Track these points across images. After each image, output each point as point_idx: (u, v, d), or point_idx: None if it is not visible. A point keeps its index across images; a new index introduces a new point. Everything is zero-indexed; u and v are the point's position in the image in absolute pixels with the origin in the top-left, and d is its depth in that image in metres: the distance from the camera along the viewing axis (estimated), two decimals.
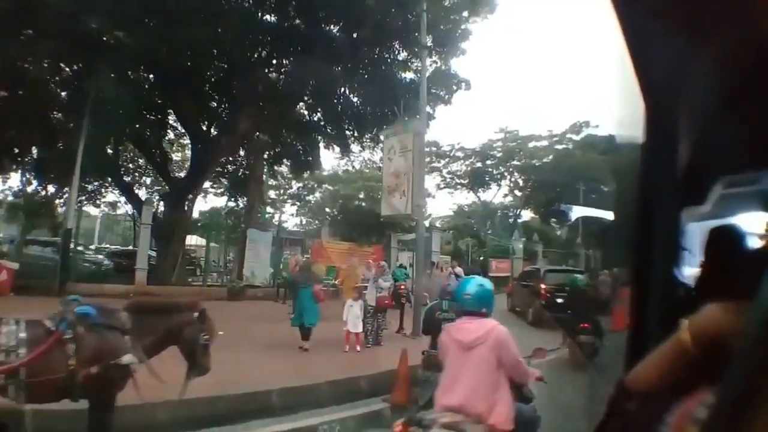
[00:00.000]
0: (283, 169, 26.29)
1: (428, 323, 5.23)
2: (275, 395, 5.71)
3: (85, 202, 26.44)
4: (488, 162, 30.64)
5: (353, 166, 24.47)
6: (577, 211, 26.47)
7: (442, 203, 63.24)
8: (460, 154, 30.86)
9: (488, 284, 2.96)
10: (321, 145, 22.28)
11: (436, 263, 14.27)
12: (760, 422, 0.33)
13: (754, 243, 1.19)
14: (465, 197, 34.30)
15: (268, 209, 37.54)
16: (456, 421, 2.43)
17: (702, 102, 0.81)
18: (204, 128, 17.06)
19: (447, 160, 31.97)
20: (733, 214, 1.35)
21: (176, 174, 19.80)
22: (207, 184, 24.63)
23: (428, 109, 20.88)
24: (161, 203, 17.97)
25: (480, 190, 32.18)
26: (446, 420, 2.45)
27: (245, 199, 31.52)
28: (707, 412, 0.44)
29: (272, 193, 38.50)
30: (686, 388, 0.55)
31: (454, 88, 19.59)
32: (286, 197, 39.78)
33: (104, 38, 11.20)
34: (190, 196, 17.10)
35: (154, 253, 16.36)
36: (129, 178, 21.10)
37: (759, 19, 0.50)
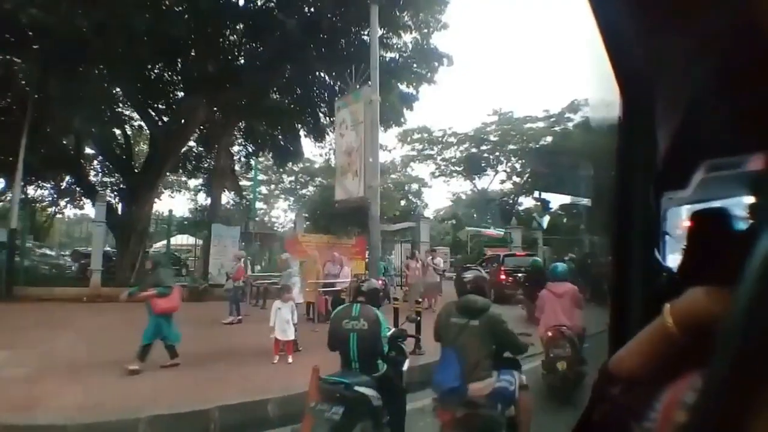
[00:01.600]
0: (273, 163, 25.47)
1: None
2: (143, 425, 4.39)
3: (63, 203, 25.95)
4: (483, 147, 29.06)
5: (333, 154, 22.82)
6: (559, 199, 24.91)
7: (440, 192, 60.64)
8: (452, 139, 29.34)
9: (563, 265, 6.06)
10: (302, 133, 21.16)
11: (414, 255, 12.86)
12: (749, 407, 0.33)
13: (737, 226, 1.09)
14: (461, 185, 32.72)
15: (260, 205, 36.64)
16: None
17: (681, 88, 0.81)
18: (156, 118, 15.71)
19: (440, 146, 30.47)
20: (716, 198, 1.45)
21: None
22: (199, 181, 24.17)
23: (411, 89, 19.76)
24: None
25: (476, 176, 30.59)
26: None
27: (233, 194, 30.62)
28: (696, 397, 0.43)
29: (263, 189, 37.54)
30: (673, 373, 0.53)
31: (436, 64, 18.13)
32: (278, 192, 38.76)
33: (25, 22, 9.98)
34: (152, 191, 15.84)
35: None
36: (96, 178, 19.94)
37: (737, 4, 0.51)
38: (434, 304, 12.22)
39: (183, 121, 15.75)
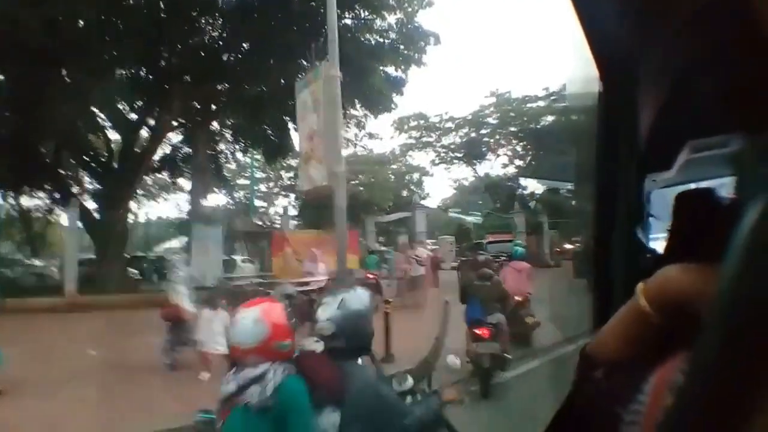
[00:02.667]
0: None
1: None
2: None
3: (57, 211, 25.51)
4: (482, 131, 27.92)
5: None
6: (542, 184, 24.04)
7: (442, 181, 58.30)
8: (450, 124, 28.24)
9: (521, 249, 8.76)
10: (291, 126, 20.34)
11: (401, 246, 12.00)
12: (742, 386, 0.33)
13: (722, 206, 0.93)
14: (462, 172, 31.63)
15: (260, 203, 35.91)
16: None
17: (663, 68, 0.78)
18: (126, 114, 14.95)
19: (439, 132, 29.39)
20: (701, 178, 1.35)
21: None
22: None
23: (399, 72, 18.79)
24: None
25: (476, 162, 29.47)
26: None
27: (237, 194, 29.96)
28: (685, 378, 0.42)
29: (263, 186, 36.82)
30: (654, 354, 0.53)
31: (423, 44, 17.11)
32: (277, 189, 38.02)
33: None
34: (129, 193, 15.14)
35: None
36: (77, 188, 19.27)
37: None
38: (422, 300, 11.35)
39: (156, 118, 15.08)
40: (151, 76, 14.31)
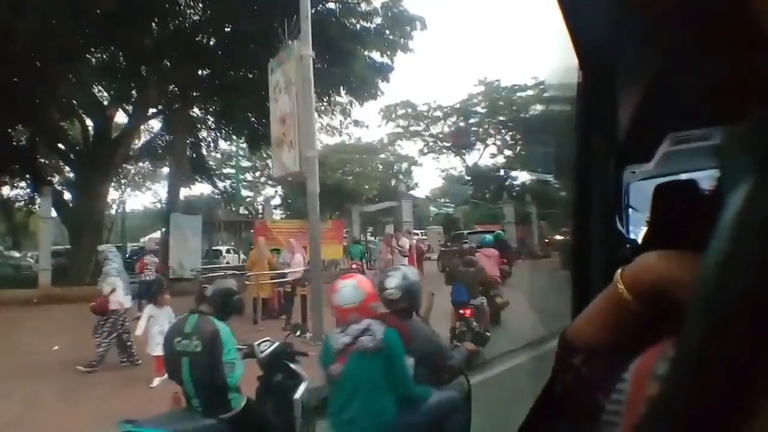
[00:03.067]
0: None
1: None
2: None
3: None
4: (471, 120, 27.58)
5: None
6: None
7: (432, 170, 56.87)
8: (438, 113, 27.85)
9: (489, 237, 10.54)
10: None
11: (385, 235, 11.71)
12: (725, 380, 0.32)
13: (701, 198, 1.08)
14: (450, 161, 31.33)
15: (246, 192, 35.29)
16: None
17: (642, 61, 0.81)
18: (102, 100, 14.41)
19: (427, 121, 29.02)
20: (681, 171, 1.53)
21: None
22: None
23: (385, 59, 18.35)
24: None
25: (464, 151, 29.17)
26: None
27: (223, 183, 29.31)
28: (667, 367, 0.42)
29: (248, 176, 36.18)
30: (633, 341, 0.52)
31: (408, 29, 16.69)
32: (264, 178, 37.38)
33: None
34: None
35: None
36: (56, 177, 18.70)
37: None
38: None
39: (134, 104, 14.58)
40: (125, 60, 13.73)
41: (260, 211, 22.66)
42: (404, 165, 34.00)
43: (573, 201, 1.02)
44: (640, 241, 1.30)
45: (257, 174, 36.24)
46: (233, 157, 30.15)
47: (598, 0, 0.72)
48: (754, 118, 0.48)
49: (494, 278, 8.16)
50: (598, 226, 0.98)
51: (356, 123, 20.10)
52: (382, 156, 33.22)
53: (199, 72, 15.49)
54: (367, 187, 18.43)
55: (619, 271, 0.57)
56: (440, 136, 29.43)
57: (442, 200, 34.90)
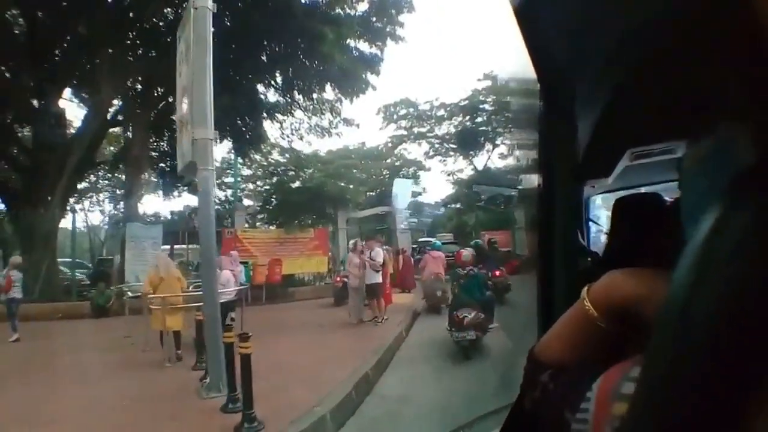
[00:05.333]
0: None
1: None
2: None
3: None
4: (478, 119, 25.53)
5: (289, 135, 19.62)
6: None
7: (439, 174, 52.46)
8: (442, 112, 25.89)
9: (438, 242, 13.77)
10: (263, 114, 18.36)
11: (355, 246, 9.84)
12: (690, 402, 0.33)
13: (660, 212, 1.11)
14: (458, 164, 29.21)
15: (248, 202, 33.79)
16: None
17: (602, 77, 0.83)
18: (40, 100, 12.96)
19: (432, 121, 27.08)
20: (641, 184, 1.54)
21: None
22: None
23: (374, 49, 16.61)
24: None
25: (471, 153, 27.07)
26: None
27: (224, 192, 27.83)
28: (633, 386, 0.42)
29: (250, 185, 34.72)
30: (600, 358, 0.53)
31: (394, 12, 14.94)
32: (267, 187, 35.81)
33: None
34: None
35: None
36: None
37: None
38: (381, 312, 9.20)
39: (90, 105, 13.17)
40: (60, 51, 12.27)
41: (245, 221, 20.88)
42: (411, 170, 32.14)
43: (536, 214, 1.05)
44: (601, 253, 1.34)
45: (257, 183, 34.78)
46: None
47: (557, 17, 0.71)
48: (717, 139, 0.51)
49: (436, 274, 10.63)
50: (560, 238, 1.01)
51: (347, 122, 18.35)
52: (388, 161, 31.45)
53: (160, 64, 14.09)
54: (351, 187, 16.53)
55: (585, 288, 0.57)
56: (446, 137, 27.42)
57: (453, 206, 32.88)
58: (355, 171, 33.01)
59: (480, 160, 27.82)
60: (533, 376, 0.61)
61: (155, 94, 14.12)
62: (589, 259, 1.31)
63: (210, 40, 5.19)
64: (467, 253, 8.12)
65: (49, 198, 12.76)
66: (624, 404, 0.43)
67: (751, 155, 0.46)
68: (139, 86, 13.99)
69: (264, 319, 10.35)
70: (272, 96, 18.14)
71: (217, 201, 26.46)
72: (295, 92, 17.02)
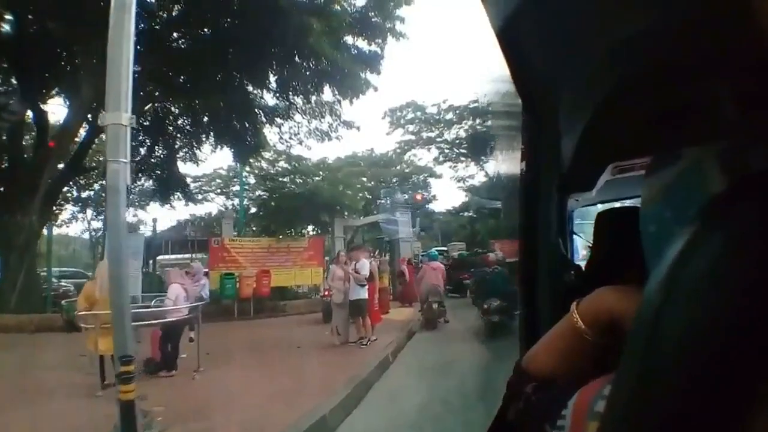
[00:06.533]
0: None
1: None
2: None
3: None
4: (489, 122, 24.36)
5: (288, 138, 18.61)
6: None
7: (450, 181, 49.56)
8: (451, 115, 24.80)
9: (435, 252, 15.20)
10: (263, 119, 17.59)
11: (338, 257, 8.81)
12: (659, 424, 0.33)
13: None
14: (468, 170, 28.07)
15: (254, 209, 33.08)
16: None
17: (586, 89, 0.79)
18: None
19: (440, 126, 25.99)
20: (624, 198, 1.54)
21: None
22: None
23: (373, 46, 15.68)
24: None
25: (483, 158, 25.89)
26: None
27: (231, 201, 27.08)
28: (605, 405, 0.43)
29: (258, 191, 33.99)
30: (589, 373, 0.53)
31: (392, 5, 13.97)
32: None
33: None
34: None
35: None
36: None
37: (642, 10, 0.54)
38: (367, 332, 8.13)
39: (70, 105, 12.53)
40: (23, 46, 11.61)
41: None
42: (421, 177, 31.07)
43: (520, 227, 1.07)
44: (583, 266, 1.39)
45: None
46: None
47: (540, 33, 0.72)
48: (679, 167, 0.52)
49: (434, 286, 10.23)
50: (543, 251, 1.04)
51: (347, 124, 17.40)
52: (397, 168, 30.47)
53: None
54: (349, 193, 15.50)
55: (575, 303, 0.59)
56: (456, 141, 26.30)
57: (463, 214, 31.70)
58: (364, 179, 32.15)
59: (491, 166, 26.62)
60: (518, 387, 0.62)
61: (140, 94, 13.40)
62: (572, 272, 1.26)
63: (133, 9, 4.28)
64: (493, 255, 11.57)
65: (25, 205, 12.09)
66: (597, 423, 0.43)
67: (719, 181, 0.47)
68: None
69: (238, 337, 9.40)
70: (269, 99, 17.42)
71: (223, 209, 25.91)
72: (291, 93, 16.18)
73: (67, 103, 13.17)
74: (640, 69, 0.62)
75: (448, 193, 70.44)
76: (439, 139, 26.80)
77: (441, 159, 27.97)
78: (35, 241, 12.82)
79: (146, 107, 14.79)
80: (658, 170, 0.59)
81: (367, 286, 8.07)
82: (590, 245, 1.26)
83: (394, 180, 29.61)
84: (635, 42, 0.56)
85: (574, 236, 2.07)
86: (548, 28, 0.68)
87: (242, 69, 14.68)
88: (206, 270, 10.36)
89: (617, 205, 1.60)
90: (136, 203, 20.67)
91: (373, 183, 30.17)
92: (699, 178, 0.50)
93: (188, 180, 24.79)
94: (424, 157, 29.27)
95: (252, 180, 26.39)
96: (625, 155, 1.13)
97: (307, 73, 15.13)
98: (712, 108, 0.60)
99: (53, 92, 13.75)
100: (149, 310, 7.79)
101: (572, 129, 0.90)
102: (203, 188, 26.90)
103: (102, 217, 26.32)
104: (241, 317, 12.24)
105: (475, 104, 24.17)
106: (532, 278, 1.04)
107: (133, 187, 21.42)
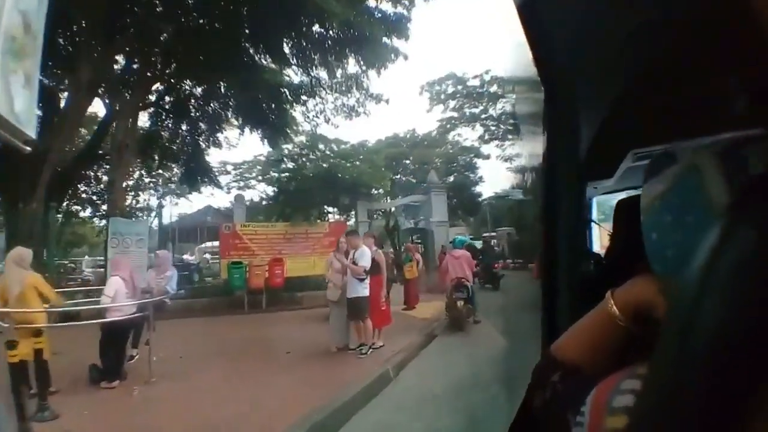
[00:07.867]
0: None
1: None
2: None
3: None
4: (537, 94, 21.87)
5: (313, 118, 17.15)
6: None
7: (497, 161, 45.55)
8: (495, 87, 22.48)
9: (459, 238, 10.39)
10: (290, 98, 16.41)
11: (338, 245, 7.35)
12: (694, 412, 0.33)
13: None
14: (517, 149, 25.57)
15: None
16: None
17: (605, 77, 0.82)
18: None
19: (485, 101, 23.74)
20: (642, 185, 1.20)
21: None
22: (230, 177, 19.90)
23: (400, 8, 13.88)
24: None
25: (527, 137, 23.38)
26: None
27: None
28: (624, 400, 0.44)
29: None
30: (619, 363, 0.53)
31: None
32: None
33: None
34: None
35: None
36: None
37: None
38: (368, 337, 6.67)
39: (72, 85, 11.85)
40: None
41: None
42: (468, 157, 28.88)
43: (540, 215, 1.06)
44: (603, 253, 1.37)
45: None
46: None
47: (562, 20, 0.70)
48: (676, 173, 0.53)
49: (458, 278, 8.42)
50: (564, 239, 1.02)
51: (374, 98, 15.80)
52: (441, 149, 28.50)
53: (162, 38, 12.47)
54: (371, 171, 13.86)
55: (609, 292, 0.59)
56: (502, 117, 23.98)
57: (512, 196, 29.24)
58: (407, 161, 30.20)
59: (534, 148, 24.08)
60: (545, 375, 0.61)
61: (147, 74, 12.53)
62: (592, 261, 1.30)
63: None
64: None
65: (27, 190, 11.58)
66: (616, 418, 0.43)
67: (719, 184, 0.47)
68: (123, 62, 12.44)
69: (229, 336, 8.26)
70: (291, 75, 16.16)
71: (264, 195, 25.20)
72: (312, 67, 14.77)
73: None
74: (661, 54, 0.62)
75: (496, 174, 66.95)
76: (483, 116, 24.54)
77: (486, 137, 25.71)
78: (36, 230, 12.42)
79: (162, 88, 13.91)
80: (656, 174, 0.58)
81: (367, 281, 6.56)
82: (609, 234, 1.23)
83: (438, 161, 27.71)
84: (655, 28, 0.56)
85: (594, 224, 1.95)
86: (570, 14, 0.69)
87: (254, 39, 13.50)
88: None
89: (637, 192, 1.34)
90: (160, 189, 20.13)
91: (416, 166, 28.43)
92: (698, 180, 0.50)
93: (229, 167, 24.35)
94: (468, 135, 27.11)
95: (290, 164, 25.55)
96: (646, 142, 1.13)
97: (327, 42, 13.70)
98: (726, 98, 0.59)
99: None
100: (86, 308, 6.74)
101: (593, 115, 0.94)
102: (244, 175, 26.28)
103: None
104: (252, 310, 11.17)
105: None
106: (552, 267, 1.04)
107: (157, 173, 21.13)
